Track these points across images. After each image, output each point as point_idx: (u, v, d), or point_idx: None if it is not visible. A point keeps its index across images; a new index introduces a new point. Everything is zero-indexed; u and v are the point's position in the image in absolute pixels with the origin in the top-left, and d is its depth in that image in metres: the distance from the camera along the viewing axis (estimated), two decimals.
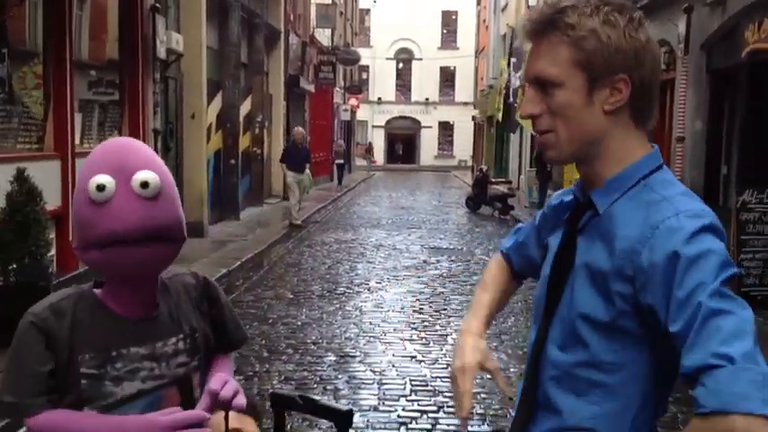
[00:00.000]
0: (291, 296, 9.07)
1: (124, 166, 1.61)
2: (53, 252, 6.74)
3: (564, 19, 1.47)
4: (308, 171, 15.80)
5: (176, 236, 1.68)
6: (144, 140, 10.36)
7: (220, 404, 1.65)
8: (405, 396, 5.70)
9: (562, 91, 1.48)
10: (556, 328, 1.58)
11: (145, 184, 1.59)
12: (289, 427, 4.84)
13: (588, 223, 1.54)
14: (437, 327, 7.79)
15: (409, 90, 53.53)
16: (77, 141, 8.66)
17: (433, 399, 5.65)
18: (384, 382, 6.01)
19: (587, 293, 1.51)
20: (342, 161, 30.00)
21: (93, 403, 1.64)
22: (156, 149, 10.71)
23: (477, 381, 6.03)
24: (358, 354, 6.78)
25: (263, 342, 7.02)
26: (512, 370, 6.35)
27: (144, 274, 1.68)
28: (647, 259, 1.40)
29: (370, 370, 6.31)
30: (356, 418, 5.14)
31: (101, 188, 1.57)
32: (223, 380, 1.66)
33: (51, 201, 7.04)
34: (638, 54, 1.47)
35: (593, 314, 1.49)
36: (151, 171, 1.62)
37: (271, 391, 1.85)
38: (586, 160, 1.55)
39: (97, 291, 1.73)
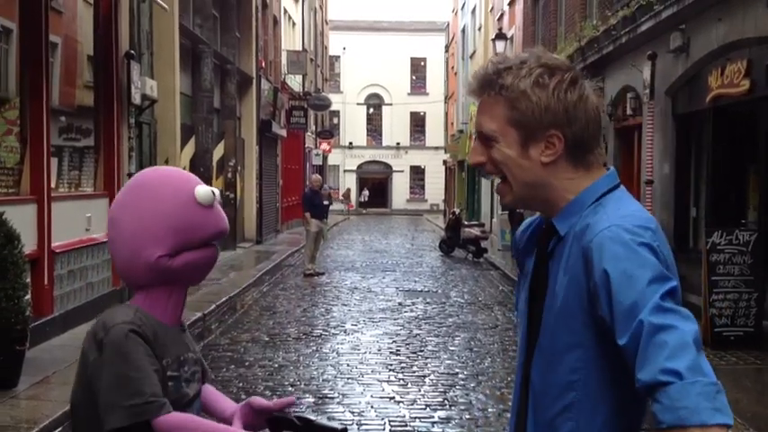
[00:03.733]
0: (267, 339, 9.05)
1: (201, 181, 1.91)
2: (29, 296, 6.68)
3: (499, 80, 1.62)
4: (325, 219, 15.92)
5: None
6: (119, 185, 10.37)
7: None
8: None
9: (499, 145, 1.63)
10: (538, 353, 1.66)
11: (221, 194, 1.96)
12: None
13: (555, 247, 1.64)
14: (414, 368, 7.81)
15: (380, 135, 53.95)
16: (53, 185, 8.65)
17: None
18: (363, 423, 6.01)
19: (556, 314, 1.59)
20: (327, 203, 30.22)
21: (174, 405, 1.72)
22: None
23: (456, 421, 6.07)
24: (336, 395, 6.78)
25: (241, 385, 6.99)
26: (489, 410, 6.38)
27: (199, 277, 1.93)
28: (590, 274, 1.51)
29: (349, 411, 6.31)
30: None
31: (213, 193, 1.84)
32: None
33: (27, 244, 7.00)
34: (568, 112, 1.60)
35: (567, 337, 1.57)
36: None
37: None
38: (537, 203, 1.68)
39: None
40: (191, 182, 1.86)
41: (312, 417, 1.86)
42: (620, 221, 1.52)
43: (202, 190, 1.83)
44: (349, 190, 49.91)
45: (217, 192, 1.88)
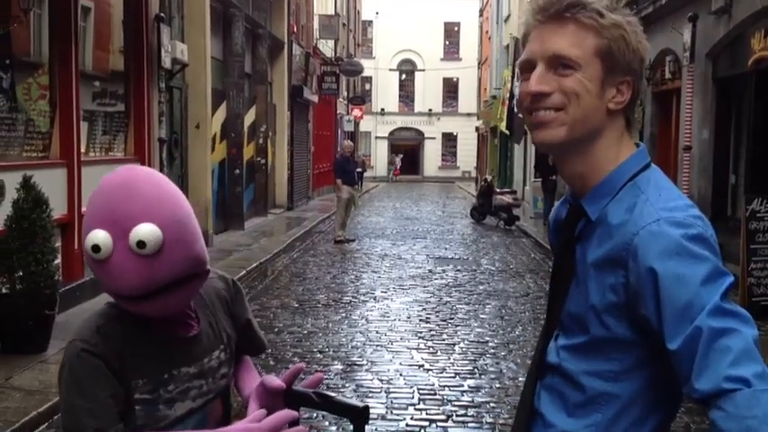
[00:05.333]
0: (297, 305, 9.03)
1: (119, 220, 1.47)
2: (59, 260, 6.69)
3: (591, 4, 1.43)
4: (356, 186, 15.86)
5: (196, 273, 1.58)
6: (149, 149, 10.36)
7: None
8: (413, 405, 5.65)
9: (578, 74, 1.42)
10: (557, 336, 1.56)
11: (141, 244, 1.45)
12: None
13: (583, 231, 1.50)
14: (444, 336, 7.74)
15: (412, 101, 53.59)
16: (83, 150, 8.64)
17: (441, 408, 5.60)
18: (392, 390, 5.95)
19: (583, 304, 1.47)
20: (360, 170, 30.22)
21: (146, 428, 1.56)
22: (161, 159, 10.78)
23: (486, 390, 6.00)
24: (365, 362, 6.73)
25: (270, 351, 6.95)
26: (520, 379, 6.27)
27: (164, 316, 1.60)
28: (632, 270, 1.37)
29: (378, 379, 6.26)
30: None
31: (96, 249, 1.46)
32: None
33: (57, 208, 7.01)
34: (643, 61, 1.47)
35: (591, 326, 1.45)
36: (150, 223, 1.46)
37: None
38: (575, 155, 1.48)
39: None
40: (95, 222, 1.48)
41: (331, 393, 1.75)
42: (668, 214, 1.36)
43: (88, 242, 1.46)
44: (394, 155, 50.63)
45: (136, 241, 1.45)
